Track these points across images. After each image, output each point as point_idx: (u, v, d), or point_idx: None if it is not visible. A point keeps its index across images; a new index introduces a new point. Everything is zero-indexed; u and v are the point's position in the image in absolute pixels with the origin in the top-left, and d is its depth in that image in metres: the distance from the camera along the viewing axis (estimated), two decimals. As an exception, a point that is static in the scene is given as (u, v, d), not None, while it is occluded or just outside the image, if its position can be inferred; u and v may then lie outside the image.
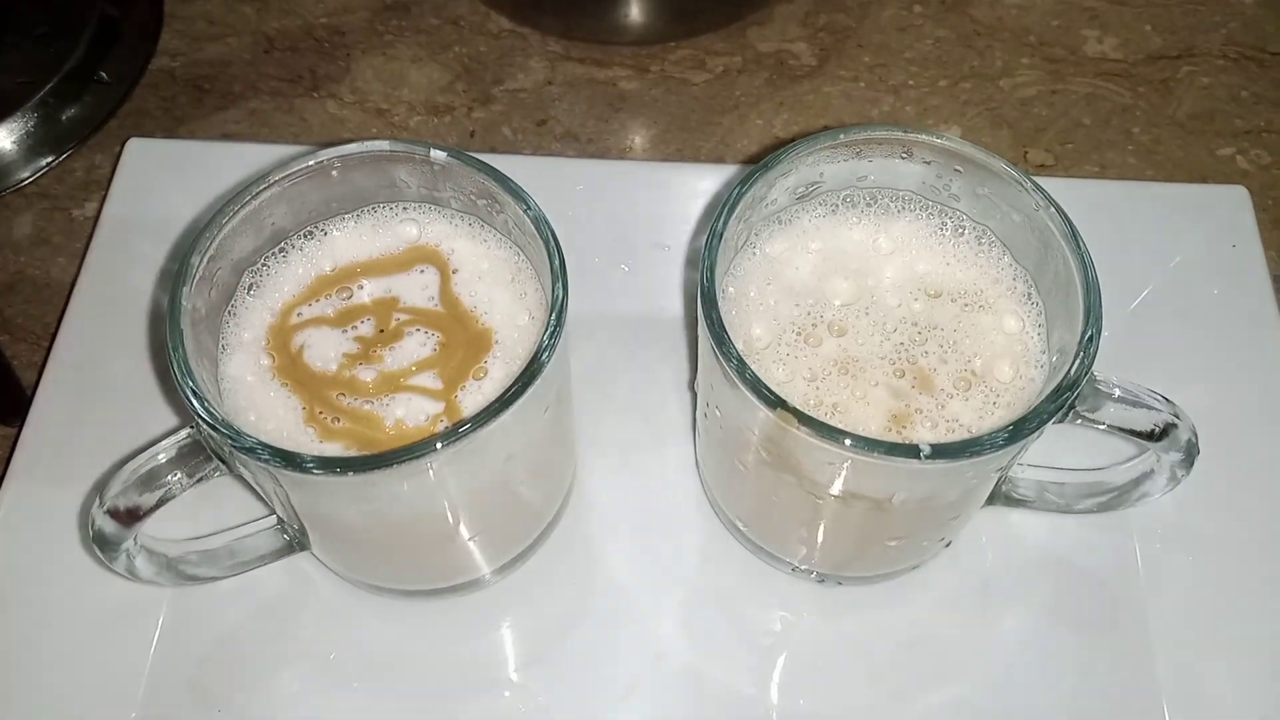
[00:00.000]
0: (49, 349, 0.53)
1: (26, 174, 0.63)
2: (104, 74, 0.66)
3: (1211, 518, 0.49)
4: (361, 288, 0.42)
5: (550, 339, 0.37)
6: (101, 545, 0.39)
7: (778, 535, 0.45)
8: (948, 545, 0.47)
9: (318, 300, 0.42)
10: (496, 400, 0.35)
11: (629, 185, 0.58)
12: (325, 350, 0.41)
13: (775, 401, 0.35)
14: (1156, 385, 0.41)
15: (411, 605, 0.48)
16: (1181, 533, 0.49)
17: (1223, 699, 0.46)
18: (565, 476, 0.48)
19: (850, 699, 0.46)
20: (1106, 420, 0.38)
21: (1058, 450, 0.48)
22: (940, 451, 0.34)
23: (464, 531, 0.42)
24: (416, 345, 0.41)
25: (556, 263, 0.38)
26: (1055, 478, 0.45)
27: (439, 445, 0.35)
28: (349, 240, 0.43)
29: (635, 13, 0.66)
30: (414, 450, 0.34)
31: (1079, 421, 0.39)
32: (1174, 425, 0.38)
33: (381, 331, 0.41)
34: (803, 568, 0.46)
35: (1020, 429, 0.34)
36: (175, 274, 0.38)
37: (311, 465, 0.34)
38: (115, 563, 0.39)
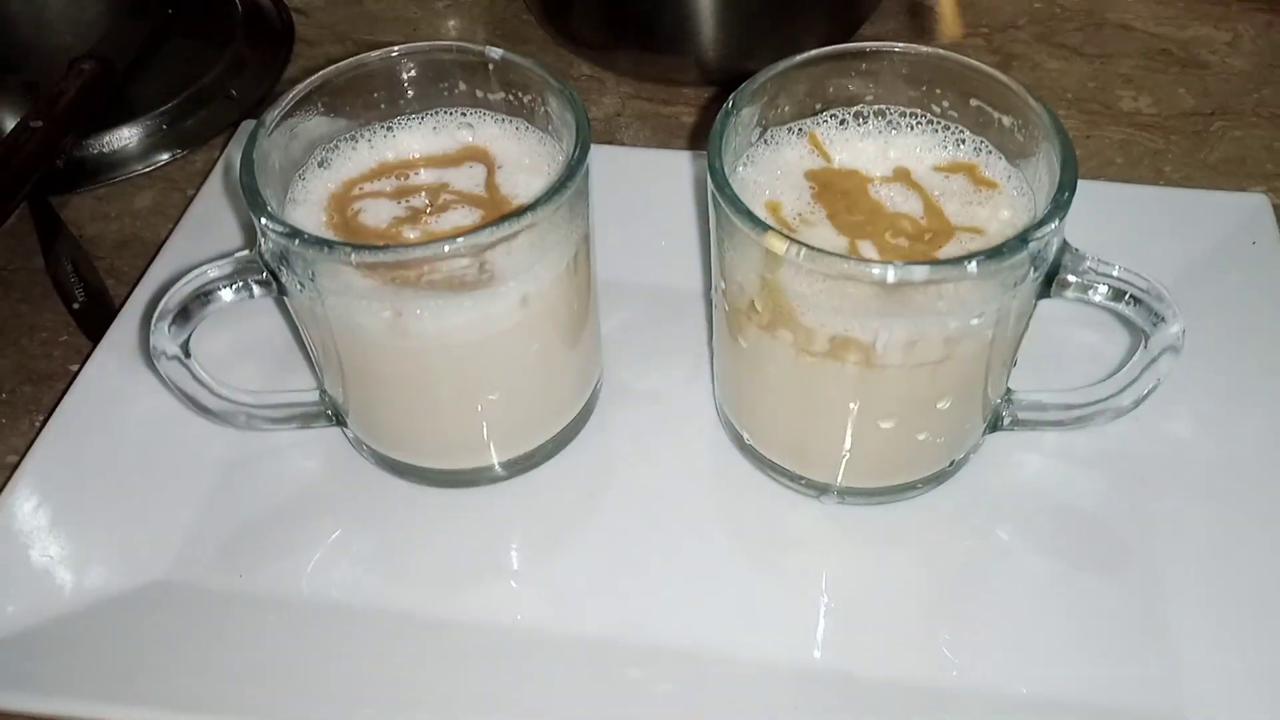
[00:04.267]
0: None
1: (142, 166, 0.72)
2: (233, 91, 0.76)
3: (1225, 477, 0.49)
4: (418, 174, 0.48)
5: (572, 168, 0.41)
6: (155, 352, 0.43)
7: (778, 432, 0.47)
8: (951, 465, 0.48)
9: (379, 180, 0.48)
10: (515, 209, 0.40)
11: (675, 172, 0.63)
12: (379, 214, 0.46)
13: (765, 226, 0.39)
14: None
15: (430, 496, 0.50)
16: (1197, 487, 0.49)
17: (1236, 632, 0.44)
18: (582, 379, 0.51)
19: (850, 626, 0.46)
20: (1097, 283, 0.40)
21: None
22: (909, 265, 0.37)
23: (482, 390, 0.46)
24: (460, 217, 0.46)
25: (581, 113, 0.43)
26: (1054, 398, 0.47)
27: (454, 242, 0.39)
28: (412, 138, 0.49)
29: (701, 58, 0.73)
30: (437, 243, 0.39)
31: (1068, 292, 0.41)
32: (1156, 291, 0.40)
33: (431, 205, 0.46)
34: (806, 477, 0.48)
35: (986, 254, 0.37)
36: (255, 125, 0.44)
37: (348, 250, 0.39)
38: (166, 368, 0.43)
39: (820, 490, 0.48)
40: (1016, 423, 0.47)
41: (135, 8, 0.80)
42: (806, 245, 0.38)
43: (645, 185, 0.63)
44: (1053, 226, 0.38)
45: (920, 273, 0.37)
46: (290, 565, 0.49)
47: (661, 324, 0.57)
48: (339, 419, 0.50)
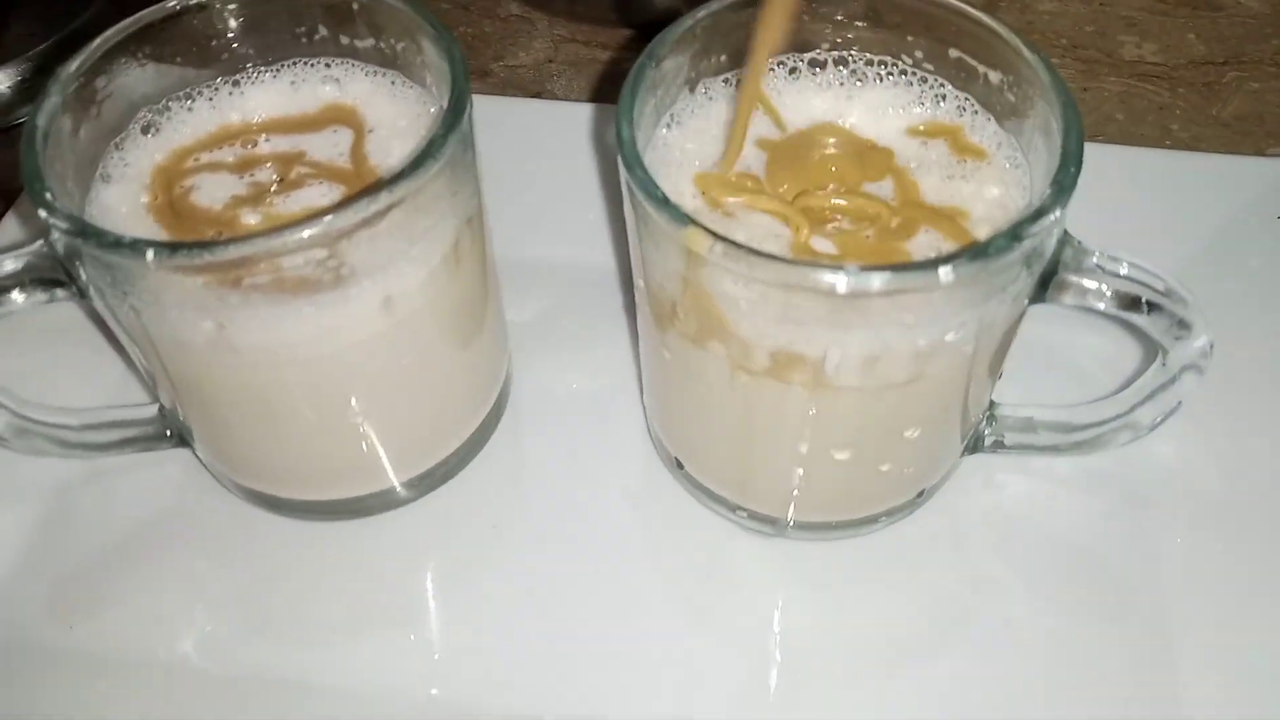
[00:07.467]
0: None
1: (3, 121, 0.62)
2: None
3: (1239, 496, 0.41)
4: (268, 140, 0.39)
5: (443, 134, 0.32)
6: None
7: (716, 459, 0.39)
8: (920, 495, 0.40)
9: (218, 149, 0.38)
10: (365, 188, 0.31)
11: (609, 130, 0.54)
12: (214, 192, 0.37)
13: (684, 219, 0.30)
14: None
15: (302, 528, 0.42)
16: (1208, 513, 0.41)
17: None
18: (479, 387, 0.42)
19: (805, 679, 0.39)
20: (1105, 285, 0.31)
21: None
22: (866, 271, 0.28)
23: (345, 412, 0.37)
24: (316, 196, 0.37)
25: (458, 63, 0.34)
26: (1046, 415, 0.38)
27: (273, 237, 0.30)
28: (264, 95, 0.40)
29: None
30: (252, 239, 0.30)
31: (1067, 297, 0.32)
32: (1179, 296, 0.32)
33: (280, 180, 0.37)
34: (747, 508, 0.40)
35: (967, 255, 0.28)
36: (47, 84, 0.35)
37: (149, 249, 0.30)
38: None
39: (767, 524, 0.40)
40: (1000, 446, 0.39)
41: (1, -65, 0.70)
42: (733, 243, 0.29)
43: (573, 146, 0.54)
44: (1053, 217, 0.29)
45: (879, 281, 0.28)
46: (132, 615, 0.40)
47: (585, 313, 0.49)
48: (183, 440, 0.41)
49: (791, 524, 0.40)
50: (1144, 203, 0.49)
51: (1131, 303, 0.32)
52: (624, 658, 0.39)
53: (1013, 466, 0.42)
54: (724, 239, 0.29)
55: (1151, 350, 0.36)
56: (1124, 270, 0.32)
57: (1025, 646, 0.39)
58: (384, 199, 0.31)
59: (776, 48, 0.33)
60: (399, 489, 0.41)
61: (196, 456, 0.42)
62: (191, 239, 0.35)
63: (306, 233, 0.30)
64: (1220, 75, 0.62)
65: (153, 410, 0.41)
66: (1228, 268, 0.47)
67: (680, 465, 0.41)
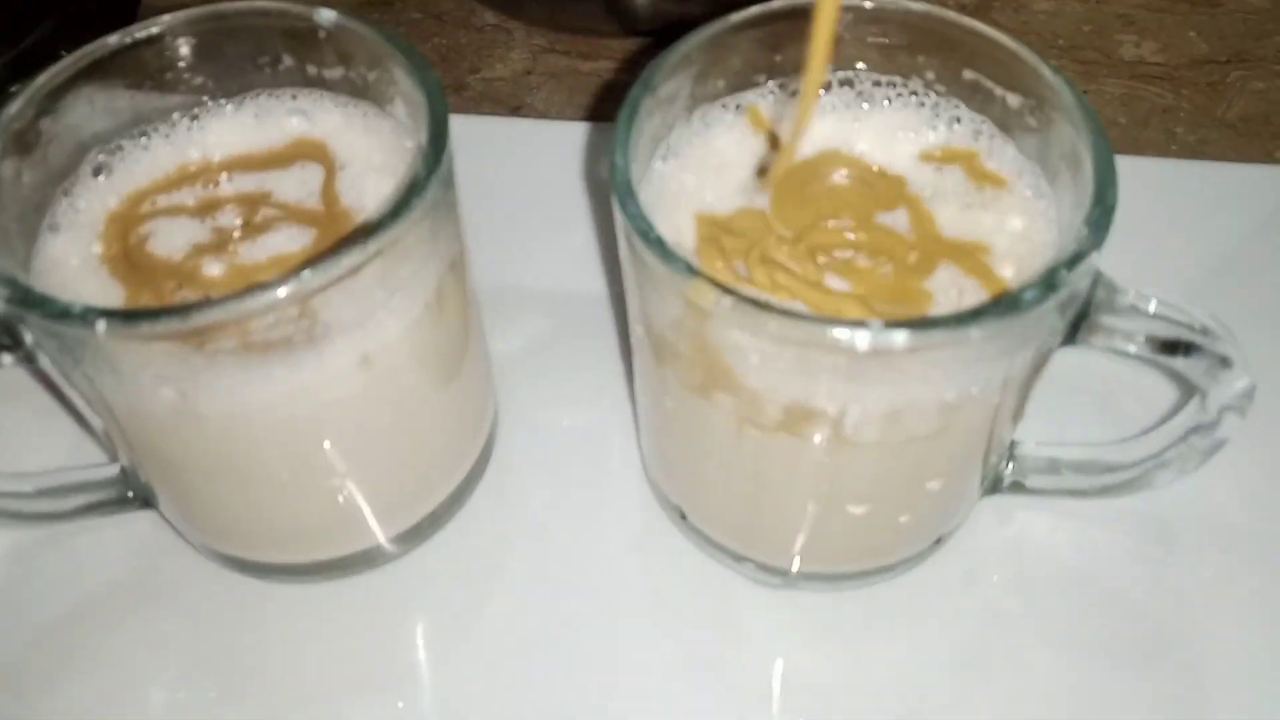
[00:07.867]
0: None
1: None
2: (64, 53, 0.63)
3: (1272, 531, 0.39)
4: (230, 180, 0.36)
5: (425, 175, 0.29)
6: None
7: (719, 512, 0.36)
8: (937, 542, 0.38)
9: (177, 191, 0.36)
10: (328, 251, 0.28)
11: (594, 149, 0.51)
12: (173, 239, 0.34)
13: (687, 269, 0.27)
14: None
15: (292, 590, 0.39)
16: (1245, 552, 0.39)
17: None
18: (466, 428, 0.40)
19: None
20: (1139, 329, 0.29)
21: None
22: (894, 325, 0.26)
23: (320, 474, 0.34)
24: (283, 240, 0.34)
25: (436, 97, 0.31)
26: (1071, 455, 0.36)
27: (232, 303, 0.27)
28: (225, 129, 0.37)
29: (628, 2, 0.61)
30: (210, 306, 0.27)
31: (1097, 339, 0.30)
32: (1217, 334, 0.30)
33: (245, 225, 0.35)
34: (755, 559, 0.37)
35: (998, 310, 0.26)
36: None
37: (100, 319, 0.27)
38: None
39: (776, 575, 0.38)
40: (1021, 489, 0.37)
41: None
42: (743, 297, 0.26)
43: (558, 167, 0.52)
44: (1090, 261, 0.27)
45: (903, 339, 0.26)
46: (96, 688, 0.38)
47: (574, 346, 0.46)
48: (147, 500, 0.38)
49: (801, 575, 0.37)
50: (1155, 217, 0.47)
51: (1167, 345, 0.30)
52: (626, 717, 0.37)
53: (1032, 503, 0.40)
54: (733, 292, 0.27)
55: (1187, 381, 0.34)
56: (1159, 309, 0.30)
57: (1048, 696, 0.37)
58: (359, 253, 0.29)
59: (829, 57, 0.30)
60: (385, 545, 0.39)
61: (163, 516, 0.39)
62: (149, 295, 0.32)
63: (278, 293, 0.28)
64: (1224, 75, 0.60)
65: (114, 470, 0.38)
66: (1246, 285, 0.45)
67: (683, 516, 0.38)
